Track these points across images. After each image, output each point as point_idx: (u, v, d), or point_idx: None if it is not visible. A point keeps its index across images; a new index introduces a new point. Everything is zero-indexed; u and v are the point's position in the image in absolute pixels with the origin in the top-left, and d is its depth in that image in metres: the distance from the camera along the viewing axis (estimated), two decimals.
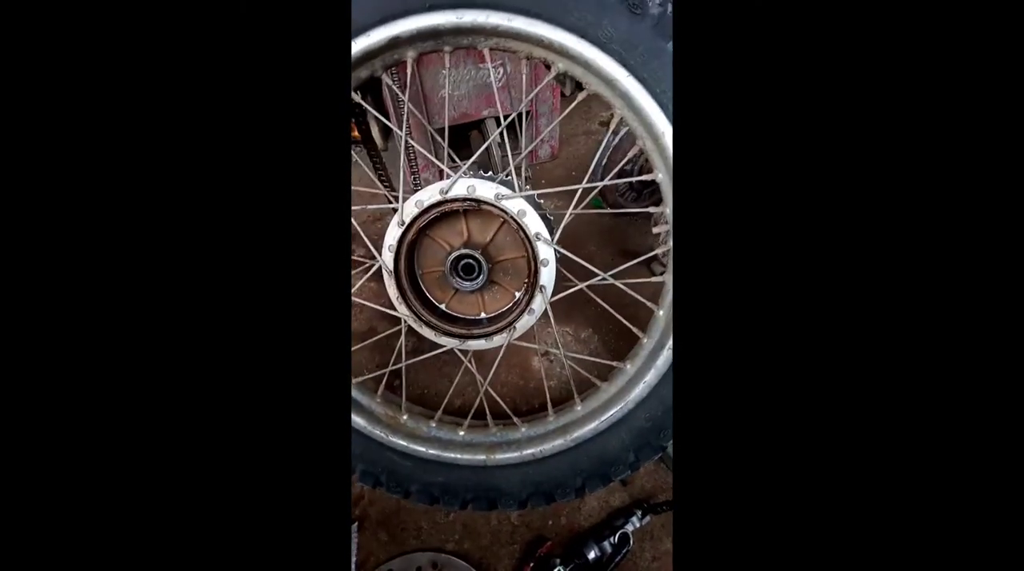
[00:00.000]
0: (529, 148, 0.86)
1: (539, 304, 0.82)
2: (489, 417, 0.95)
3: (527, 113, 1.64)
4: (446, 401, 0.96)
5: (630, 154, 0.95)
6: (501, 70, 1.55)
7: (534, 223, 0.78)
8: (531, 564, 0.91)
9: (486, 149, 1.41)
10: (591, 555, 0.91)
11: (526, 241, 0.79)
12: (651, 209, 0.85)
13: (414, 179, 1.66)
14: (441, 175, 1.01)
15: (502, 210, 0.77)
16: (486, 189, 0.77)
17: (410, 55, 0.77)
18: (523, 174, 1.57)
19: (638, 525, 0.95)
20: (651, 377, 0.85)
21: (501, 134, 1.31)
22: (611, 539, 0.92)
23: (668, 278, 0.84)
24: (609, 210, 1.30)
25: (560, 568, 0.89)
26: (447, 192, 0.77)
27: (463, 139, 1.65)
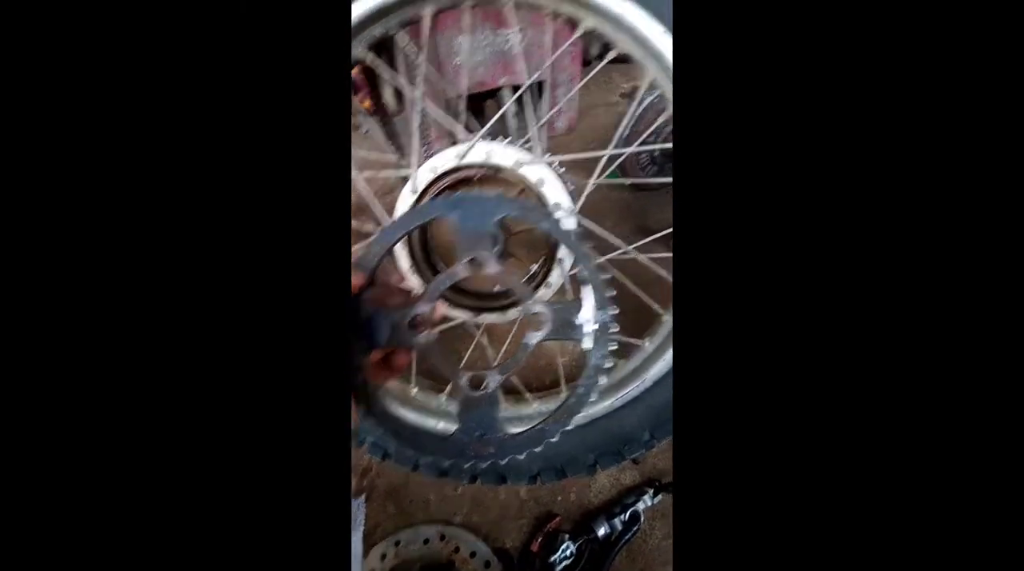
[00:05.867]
0: (551, 113, 0.81)
1: (556, 278, 0.79)
2: (500, 392, 0.94)
3: (546, 83, 1.58)
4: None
5: (656, 124, 0.91)
6: (520, 36, 1.49)
7: (554, 192, 0.74)
8: (539, 539, 0.91)
9: (502, 120, 1.36)
10: (601, 531, 0.90)
11: None
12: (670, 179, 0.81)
13: (426, 150, 1.61)
14: (454, 145, 0.97)
15: (521, 178, 0.73)
16: (505, 155, 0.73)
17: (427, 10, 0.72)
18: (543, 144, 1.52)
19: (650, 503, 0.94)
20: (671, 355, 0.82)
21: (520, 103, 1.26)
22: (622, 516, 0.91)
23: None
24: (628, 181, 1.26)
25: (569, 543, 0.88)
26: (464, 157, 0.73)
27: (478, 110, 1.60)
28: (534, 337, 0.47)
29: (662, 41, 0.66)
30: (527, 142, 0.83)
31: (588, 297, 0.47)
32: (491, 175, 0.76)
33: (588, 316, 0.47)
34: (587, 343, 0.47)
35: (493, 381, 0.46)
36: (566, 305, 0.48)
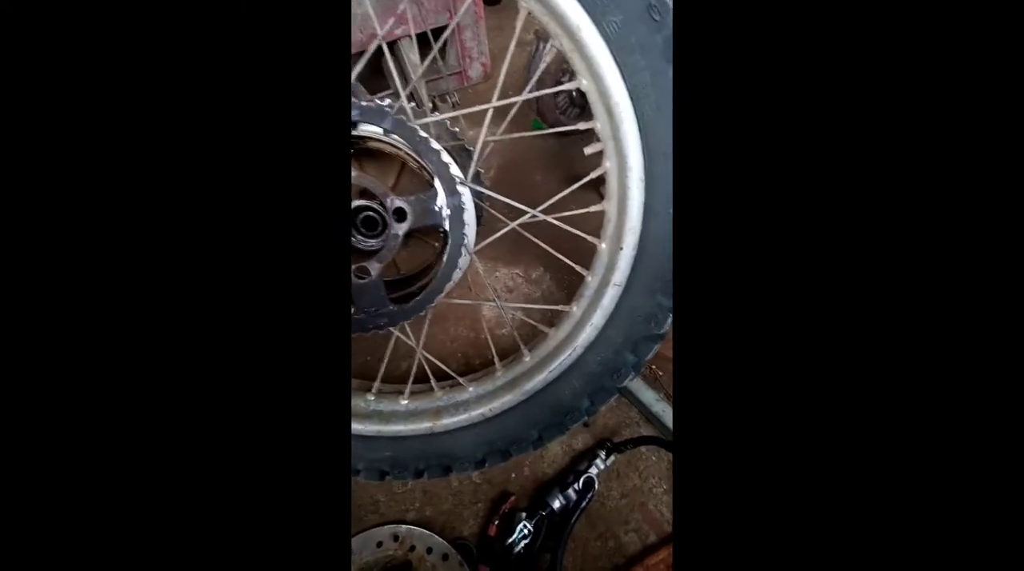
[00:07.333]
0: (423, 66, 0.70)
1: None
2: (433, 380, 0.87)
3: (446, 28, 1.42)
4: (382, 371, 0.87)
5: (546, 61, 0.80)
6: None
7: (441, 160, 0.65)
8: (496, 523, 0.88)
9: (402, 76, 1.21)
10: (556, 504, 0.87)
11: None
12: (580, 125, 0.72)
13: None
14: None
15: (393, 146, 0.63)
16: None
17: None
18: (450, 101, 1.38)
19: (603, 467, 0.91)
20: (598, 318, 0.76)
21: (420, 54, 1.11)
22: (575, 485, 0.89)
23: (609, 207, 0.73)
24: (542, 132, 1.16)
25: (525, 523, 0.85)
26: None
27: (375, 65, 1.44)
28: (400, 228, 0.59)
29: None
30: (413, 102, 0.72)
31: (439, 186, 0.57)
32: (364, 148, 0.65)
33: (443, 202, 0.59)
34: (446, 225, 0.60)
35: (374, 269, 0.62)
36: (424, 196, 0.59)
